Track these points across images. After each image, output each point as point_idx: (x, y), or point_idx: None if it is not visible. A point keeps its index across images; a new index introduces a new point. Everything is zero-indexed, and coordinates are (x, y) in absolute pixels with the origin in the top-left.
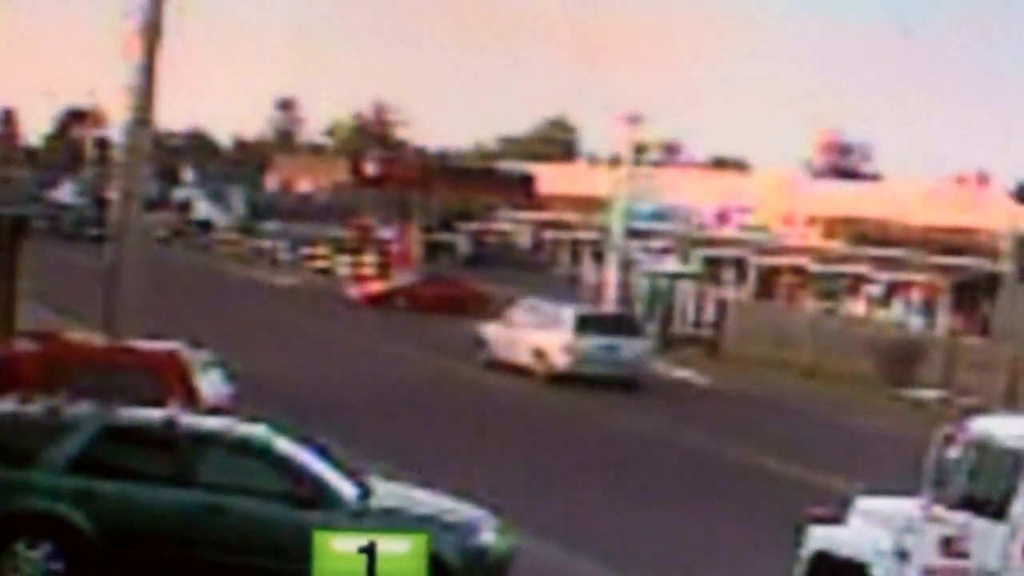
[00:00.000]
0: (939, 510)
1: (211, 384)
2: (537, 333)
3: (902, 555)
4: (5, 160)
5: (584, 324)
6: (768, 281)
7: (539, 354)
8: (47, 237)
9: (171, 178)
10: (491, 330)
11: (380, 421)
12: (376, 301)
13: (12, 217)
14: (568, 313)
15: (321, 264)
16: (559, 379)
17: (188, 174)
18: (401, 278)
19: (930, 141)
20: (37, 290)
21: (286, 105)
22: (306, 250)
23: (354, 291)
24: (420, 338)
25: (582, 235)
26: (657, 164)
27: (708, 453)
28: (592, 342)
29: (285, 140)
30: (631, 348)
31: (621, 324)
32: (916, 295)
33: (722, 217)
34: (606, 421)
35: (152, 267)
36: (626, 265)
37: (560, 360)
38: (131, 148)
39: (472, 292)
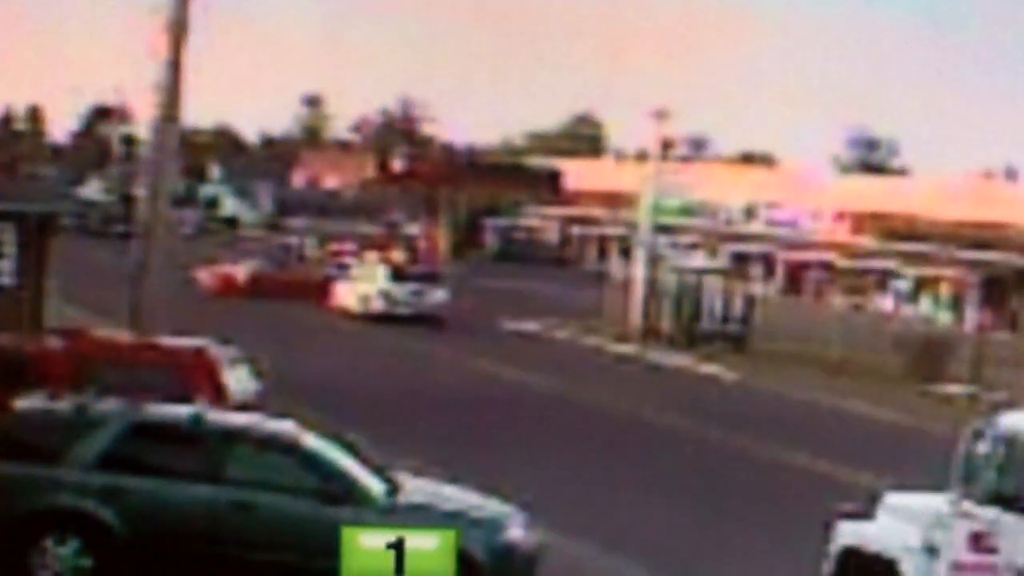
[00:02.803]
0: (968, 506)
1: (239, 380)
2: (362, 284)
3: (931, 551)
4: (32, 157)
5: (396, 276)
6: (796, 277)
7: (363, 299)
8: (74, 234)
9: (198, 175)
10: (339, 285)
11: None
12: (227, 290)
13: (39, 214)
14: (383, 267)
15: (347, 261)
16: (376, 318)
17: (215, 171)
18: (250, 266)
19: (958, 136)
20: (64, 287)
21: (313, 101)
22: (333, 247)
23: (205, 278)
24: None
25: (609, 231)
26: (684, 160)
27: (736, 450)
28: (402, 289)
29: (312, 136)
30: (432, 295)
31: (426, 276)
32: (944, 290)
33: (749, 213)
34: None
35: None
36: (653, 261)
37: (377, 304)
38: (158, 145)
39: (320, 279)
